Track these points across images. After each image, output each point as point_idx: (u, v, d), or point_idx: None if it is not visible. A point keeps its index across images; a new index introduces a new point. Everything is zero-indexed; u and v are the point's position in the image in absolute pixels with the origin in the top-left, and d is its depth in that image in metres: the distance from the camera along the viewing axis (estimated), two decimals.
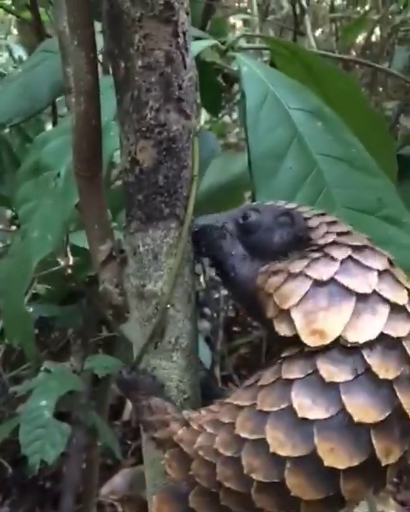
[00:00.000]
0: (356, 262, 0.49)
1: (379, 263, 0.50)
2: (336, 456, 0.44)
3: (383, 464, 0.44)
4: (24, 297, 0.71)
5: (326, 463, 0.43)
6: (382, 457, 0.44)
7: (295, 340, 0.47)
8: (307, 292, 0.48)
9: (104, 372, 1.47)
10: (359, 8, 2.72)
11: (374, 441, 0.44)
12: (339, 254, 0.50)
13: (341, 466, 0.44)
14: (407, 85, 2.52)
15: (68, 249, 1.33)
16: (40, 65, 0.79)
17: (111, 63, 0.51)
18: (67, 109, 0.92)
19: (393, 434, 0.45)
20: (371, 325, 0.46)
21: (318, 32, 2.79)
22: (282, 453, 0.44)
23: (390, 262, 0.51)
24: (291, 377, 0.46)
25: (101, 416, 1.56)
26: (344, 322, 0.46)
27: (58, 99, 1.24)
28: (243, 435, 0.47)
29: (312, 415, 0.44)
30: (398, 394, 0.45)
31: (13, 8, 1.50)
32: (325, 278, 0.48)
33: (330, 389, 0.45)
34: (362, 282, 0.48)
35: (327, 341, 0.45)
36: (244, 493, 0.47)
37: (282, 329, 0.48)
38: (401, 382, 0.45)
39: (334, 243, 0.51)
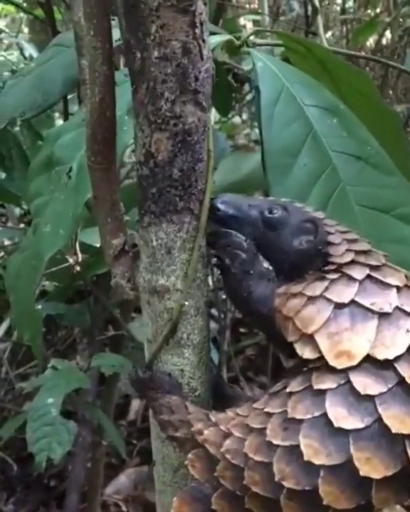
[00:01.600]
0: (375, 280, 0.50)
1: (397, 280, 0.50)
2: (372, 466, 0.44)
3: None
4: (34, 293, 0.71)
5: (362, 473, 0.44)
6: None
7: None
8: (329, 316, 0.48)
9: (111, 370, 1.47)
10: (370, 11, 2.72)
11: (409, 451, 0.44)
12: (358, 274, 0.50)
13: (376, 476, 0.44)
14: None
15: (77, 246, 1.33)
16: (53, 59, 0.78)
17: (126, 54, 0.51)
18: (78, 103, 0.92)
19: None
20: (399, 340, 0.46)
21: (329, 34, 2.79)
22: (316, 461, 0.45)
23: (407, 278, 0.51)
24: (323, 387, 0.47)
25: (107, 415, 1.55)
26: (370, 340, 0.46)
27: (69, 97, 1.24)
28: (275, 442, 0.47)
29: (348, 425, 0.45)
30: None
31: (25, 5, 1.50)
32: (346, 300, 0.48)
33: (365, 400, 0.45)
34: (383, 300, 0.48)
35: (355, 362, 0.46)
36: (272, 498, 0.47)
37: (307, 352, 0.48)
38: None
39: (352, 262, 0.51)
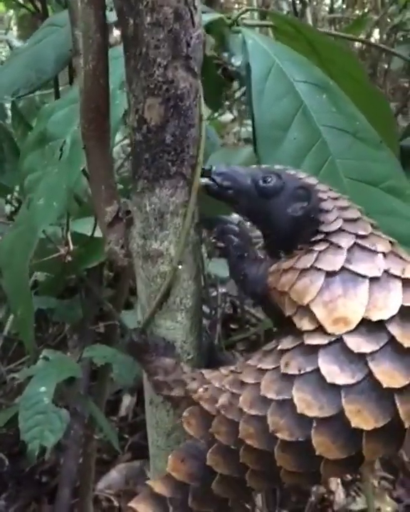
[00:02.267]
0: (362, 247, 0.51)
1: (383, 246, 0.51)
2: (362, 418, 0.46)
3: (406, 426, 0.46)
4: (27, 267, 0.71)
5: (353, 424, 0.45)
6: (405, 419, 0.46)
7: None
8: (321, 285, 0.49)
9: (103, 361, 1.47)
10: (358, 10, 2.75)
11: (398, 404, 0.46)
12: (345, 242, 0.51)
13: (366, 427, 0.46)
14: (405, 86, 2.54)
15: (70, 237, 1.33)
16: (46, 38, 0.79)
17: (120, 20, 0.52)
18: (69, 81, 0.93)
19: None
20: (391, 301, 0.48)
21: None
22: (309, 414, 0.46)
23: (392, 244, 0.52)
24: (314, 342, 0.48)
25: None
26: (364, 304, 0.47)
27: (61, 88, 1.24)
28: (269, 396, 0.48)
29: (340, 381, 0.46)
30: None
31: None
32: (336, 268, 0.50)
33: (357, 357, 0.47)
34: (371, 265, 0.49)
35: (352, 326, 0.47)
36: (266, 451, 0.48)
37: (305, 324, 0.50)
38: None
39: (340, 230, 0.52)
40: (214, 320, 2.16)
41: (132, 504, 0.55)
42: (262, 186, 0.56)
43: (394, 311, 0.47)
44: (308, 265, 0.51)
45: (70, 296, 1.71)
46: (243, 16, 0.78)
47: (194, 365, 0.58)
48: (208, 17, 0.75)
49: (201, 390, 0.53)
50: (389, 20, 2.38)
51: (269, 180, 0.56)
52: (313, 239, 0.53)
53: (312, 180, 0.56)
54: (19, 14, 2.36)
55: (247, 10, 0.80)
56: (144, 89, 0.52)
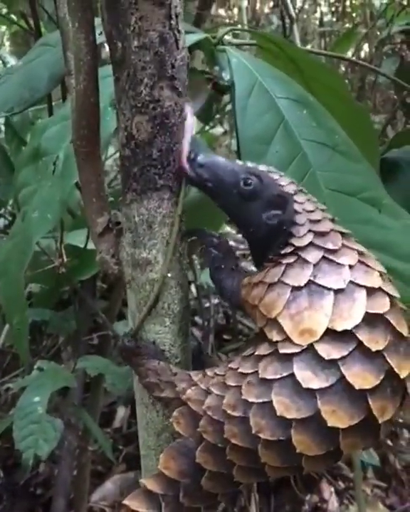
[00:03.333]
0: (329, 261, 0.53)
1: (350, 259, 0.53)
2: (338, 417, 0.48)
3: (380, 421, 0.49)
4: (23, 277, 0.74)
5: (329, 423, 0.48)
6: (378, 416, 0.49)
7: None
8: (288, 298, 0.52)
9: (96, 371, 1.49)
10: (347, 24, 2.80)
11: (370, 402, 0.49)
12: (313, 257, 0.53)
13: (342, 426, 0.48)
14: (394, 98, 2.59)
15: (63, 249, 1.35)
16: (39, 57, 0.83)
17: (109, 44, 0.55)
18: (62, 100, 0.96)
19: (387, 394, 0.50)
20: (355, 311, 0.50)
21: (308, 47, 2.87)
22: (288, 415, 0.49)
23: (360, 254, 0.54)
24: (288, 351, 0.51)
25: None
26: (328, 316, 0.50)
27: (54, 103, 1.27)
28: (250, 399, 0.51)
29: (314, 385, 0.49)
30: (388, 359, 0.49)
31: (13, 17, 1.55)
32: (302, 283, 0.52)
33: (329, 363, 0.49)
34: (337, 278, 0.52)
35: (317, 337, 0.50)
36: (250, 449, 0.51)
37: (274, 335, 0.52)
38: (390, 348, 0.50)
39: (310, 245, 0.54)
40: (207, 330, 2.18)
41: (125, 501, 0.58)
42: (242, 188, 0.57)
43: (358, 319, 0.50)
44: (276, 279, 0.53)
45: (64, 308, 1.73)
46: (227, 35, 0.82)
47: (182, 367, 0.61)
48: (195, 37, 0.79)
49: (189, 391, 0.56)
50: (378, 32, 2.43)
51: (249, 182, 0.57)
52: (283, 251, 0.55)
53: (290, 190, 0.57)
54: (12, 31, 2.40)
55: (231, 29, 0.83)
56: (132, 107, 0.56)
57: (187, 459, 0.55)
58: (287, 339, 0.51)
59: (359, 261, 0.53)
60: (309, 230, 0.55)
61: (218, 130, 2.51)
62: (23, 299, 0.77)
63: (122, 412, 2.21)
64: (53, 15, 1.40)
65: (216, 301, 2.55)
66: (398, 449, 2.01)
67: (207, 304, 2.32)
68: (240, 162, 0.60)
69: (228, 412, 0.52)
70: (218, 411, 0.53)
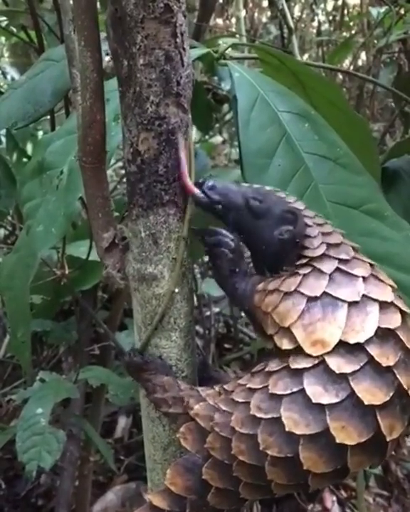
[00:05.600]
0: (343, 272, 0.54)
1: (363, 271, 0.54)
2: (347, 434, 0.49)
3: (388, 439, 0.49)
4: (28, 290, 0.74)
5: (338, 440, 0.48)
6: (387, 433, 0.49)
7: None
8: (303, 308, 0.52)
9: (98, 382, 1.49)
10: (344, 33, 2.82)
11: (379, 419, 0.49)
12: (327, 268, 0.54)
13: (351, 443, 0.49)
14: (392, 106, 2.60)
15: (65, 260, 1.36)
16: (43, 72, 0.83)
17: (114, 62, 0.56)
18: (64, 112, 0.97)
19: (396, 412, 0.50)
20: (368, 324, 0.51)
21: (305, 56, 2.89)
22: (297, 431, 0.49)
23: (372, 266, 0.55)
24: (299, 367, 0.51)
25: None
26: (341, 328, 0.50)
27: (56, 115, 1.28)
28: (259, 415, 0.51)
29: (324, 400, 0.49)
30: (398, 376, 0.50)
31: (13, 29, 1.55)
32: (318, 293, 0.52)
33: (339, 378, 0.49)
34: (351, 290, 0.52)
35: (329, 349, 0.50)
36: (257, 465, 0.51)
37: (285, 344, 0.53)
38: (400, 365, 0.50)
39: (323, 256, 0.55)
40: (208, 339, 2.18)
41: None
42: (252, 205, 0.58)
43: (371, 333, 0.50)
44: (292, 288, 0.54)
45: (64, 318, 1.73)
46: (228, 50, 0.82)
47: (188, 382, 0.61)
48: (198, 52, 0.80)
49: (197, 406, 0.56)
50: (376, 41, 2.45)
51: (259, 199, 0.58)
52: (298, 262, 0.56)
53: (299, 205, 0.59)
54: (11, 41, 2.41)
55: (233, 44, 0.84)
56: (138, 124, 0.56)
57: (194, 475, 0.55)
58: (299, 349, 0.51)
59: (371, 274, 0.54)
60: (322, 242, 0.56)
61: (218, 139, 2.53)
62: (28, 313, 0.77)
63: (123, 422, 2.20)
64: (54, 27, 1.41)
65: (216, 310, 2.56)
66: (400, 458, 2.01)
67: (207, 313, 2.32)
68: (246, 184, 0.61)
69: (236, 428, 0.52)
70: (226, 427, 0.53)
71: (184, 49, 0.55)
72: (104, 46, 0.57)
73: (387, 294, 0.53)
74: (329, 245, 0.56)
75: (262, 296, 0.56)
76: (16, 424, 1.36)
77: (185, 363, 0.62)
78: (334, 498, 1.92)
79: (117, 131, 0.70)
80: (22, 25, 1.58)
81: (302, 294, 0.53)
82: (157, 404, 0.59)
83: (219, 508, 0.56)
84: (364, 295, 0.52)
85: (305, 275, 0.54)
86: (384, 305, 0.52)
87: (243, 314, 2.68)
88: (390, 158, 1.36)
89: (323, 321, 0.51)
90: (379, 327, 0.50)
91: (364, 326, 0.50)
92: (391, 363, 0.50)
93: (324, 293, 0.52)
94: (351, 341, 0.50)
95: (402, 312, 0.52)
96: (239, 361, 2.43)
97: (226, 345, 2.53)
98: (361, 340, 0.50)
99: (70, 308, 1.83)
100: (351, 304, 0.51)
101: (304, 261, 0.55)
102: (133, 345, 0.63)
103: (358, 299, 0.51)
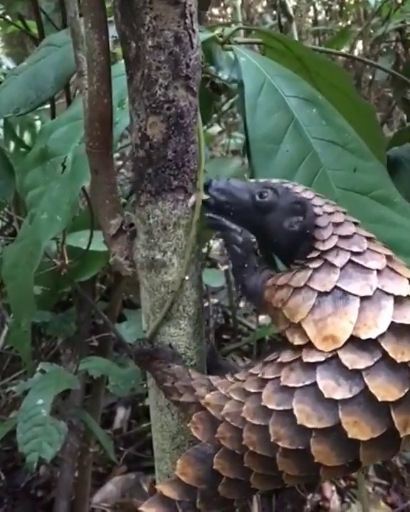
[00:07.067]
0: (356, 265, 0.52)
1: (378, 263, 0.52)
2: (359, 429, 0.48)
3: (401, 435, 0.48)
4: (33, 279, 0.73)
5: (350, 435, 0.48)
6: (401, 429, 0.48)
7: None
8: (313, 304, 0.51)
9: (99, 372, 1.49)
10: (341, 22, 2.81)
11: (393, 416, 0.48)
12: (339, 261, 0.53)
13: (363, 438, 0.48)
14: (389, 96, 2.59)
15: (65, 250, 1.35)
16: (44, 58, 0.82)
17: (122, 44, 0.55)
18: (65, 100, 0.96)
19: None
20: (381, 319, 0.49)
21: None
22: (308, 425, 0.48)
23: (388, 258, 0.54)
24: (312, 360, 0.50)
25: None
26: (353, 323, 0.49)
27: (57, 102, 1.27)
28: (270, 406, 0.51)
29: (337, 395, 0.48)
30: None
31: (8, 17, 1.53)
32: (329, 288, 0.51)
33: (352, 373, 0.48)
34: (364, 284, 0.51)
35: (340, 344, 0.49)
36: (268, 457, 0.51)
37: (296, 339, 0.52)
38: None
39: (335, 248, 0.54)
40: (207, 330, 2.17)
41: (142, 508, 0.57)
42: (258, 201, 0.57)
43: (383, 329, 0.49)
44: (302, 283, 0.53)
45: (63, 310, 1.73)
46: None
47: (197, 370, 0.60)
48: (202, 36, 0.78)
49: (208, 396, 0.55)
50: (372, 31, 2.44)
51: (265, 195, 0.57)
52: (309, 256, 0.55)
53: (308, 195, 0.57)
54: (6, 31, 2.39)
55: (239, 28, 0.83)
56: (147, 107, 0.55)
57: (204, 465, 0.54)
58: (310, 345, 0.50)
59: (387, 266, 0.52)
60: (333, 233, 0.54)
61: (215, 129, 2.51)
62: (33, 302, 0.76)
63: (122, 413, 2.20)
64: (51, 15, 1.40)
65: (215, 301, 2.55)
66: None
67: (206, 304, 2.32)
68: (252, 180, 0.61)
69: (247, 419, 0.52)
70: (237, 417, 0.53)
71: (193, 30, 0.54)
72: (111, 30, 0.56)
73: (403, 288, 0.51)
74: (340, 237, 0.54)
75: (272, 291, 0.55)
76: (16, 416, 1.35)
77: (194, 351, 0.61)
78: (334, 488, 1.93)
79: (122, 116, 0.69)
80: (19, 14, 1.56)
81: (313, 288, 0.52)
82: (167, 392, 0.58)
83: (229, 498, 0.55)
84: (378, 289, 0.50)
85: (315, 269, 0.53)
86: (399, 299, 0.50)
87: (241, 305, 2.69)
88: (391, 147, 1.36)
89: (334, 316, 0.50)
90: (393, 322, 0.49)
91: (377, 322, 0.49)
92: (406, 359, 0.48)
93: (336, 287, 0.51)
94: (364, 337, 0.49)
95: None
96: (238, 352, 2.43)
97: (225, 336, 2.53)
98: (374, 336, 0.49)
99: (68, 299, 1.82)
100: (364, 299, 0.50)
101: (315, 254, 0.54)
102: (145, 335, 0.62)
103: (370, 293, 0.50)
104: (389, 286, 0.51)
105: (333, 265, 0.52)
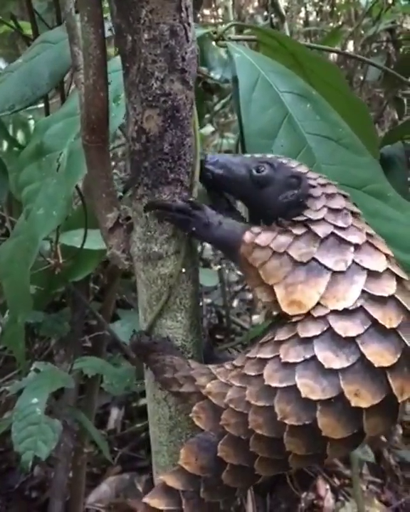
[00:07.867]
0: (338, 238, 0.54)
1: (358, 238, 0.55)
2: (360, 397, 0.50)
3: (399, 400, 0.50)
4: (28, 275, 0.73)
5: (353, 403, 0.49)
6: (398, 394, 0.50)
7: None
8: (288, 270, 0.54)
9: (94, 372, 1.49)
10: (332, 23, 2.82)
11: (390, 381, 0.50)
12: (322, 231, 0.55)
13: (365, 405, 0.50)
14: (380, 96, 2.61)
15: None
16: (40, 54, 0.82)
17: (117, 38, 0.55)
18: (60, 99, 0.96)
19: (405, 373, 0.51)
20: (349, 294, 0.52)
21: None
22: (313, 397, 0.50)
23: (370, 235, 0.56)
24: (309, 335, 0.52)
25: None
26: (320, 293, 0.52)
27: (51, 102, 1.27)
28: (274, 384, 0.52)
29: (336, 365, 0.50)
30: (403, 338, 0.51)
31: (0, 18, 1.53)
32: (305, 260, 0.54)
33: (347, 342, 0.51)
34: (339, 259, 0.53)
35: (304, 311, 0.52)
36: (275, 438, 0.52)
37: (264, 297, 0.55)
38: (403, 327, 0.51)
39: (322, 220, 0.55)
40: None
41: (146, 499, 0.57)
42: (255, 175, 0.59)
43: (351, 302, 0.51)
44: (282, 250, 0.54)
45: (55, 310, 1.72)
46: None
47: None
48: (198, 32, 0.79)
49: (209, 385, 0.56)
50: (363, 31, 2.45)
51: (262, 169, 0.59)
52: (295, 219, 0.56)
53: (302, 169, 0.59)
54: None
55: (233, 24, 0.83)
56: (143, 101, 0.55)
57: (208, 454, 0.55)
58: (276, 303, 0.53)
59: (367, 242, 0.55)
60: (324, 206, 0.56)
61: (208, 129, 2.51)
62: (29, 298, 0.76)
63: (115, 413, 2.20)
64: (43, 15, 1.39)
65: (208, 300, 2.55)
66: (392, 445, 2.03)
67: (199, 303, 2.31)
68: (248, 155, 0.61)
69: (252, 402, 0.53)
70: (241, 402, 0.53)
71: (188, 24, 0.54)
72: (107, 24, 0.57)
73: (380, 263, 0.53)
74: (329, 210, 0.56)
75: (249, 248, 0.56)
76: (9, 416, 1.35)
77: (191, 344, 0.62)
78: (328, 486, 1.93)
79: (118, 112, 0.69)
80: (11, 14, 1.56)
81: (291, 257, 0.54)
82: (167, 384, 0.58)
83: (233, 486, 0.56)
84: (354, 263, 0.53)
85: (297, 236, 0.55)
86: (375, 274, 0.53)
87: (234, 305, 2.69)
88: (384, 145, 1.37)
89: (304, 285, 0.53)
90: (373, 294, 0.51)
91: (346, 295, 0.52)
92: (395, 325, 0.51)
93: (313, 259, 0.53)
94: (331, 307, 0.51)
95: (398, 278, 0.53)
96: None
97: (218, 336, 2.53)
98: (340, 308, 0.51)
99: (61, 299, 1.81)
100: (337, 273, 0.52)
101: (301, 218, 0.56)
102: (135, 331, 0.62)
103: (344, 268, 0.53)
104: (366, 261, 0.53)
105: (316, 235, 0.54)
